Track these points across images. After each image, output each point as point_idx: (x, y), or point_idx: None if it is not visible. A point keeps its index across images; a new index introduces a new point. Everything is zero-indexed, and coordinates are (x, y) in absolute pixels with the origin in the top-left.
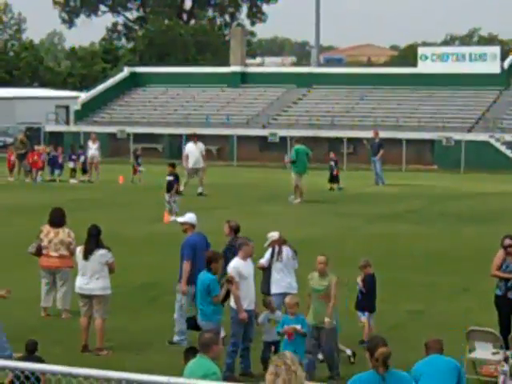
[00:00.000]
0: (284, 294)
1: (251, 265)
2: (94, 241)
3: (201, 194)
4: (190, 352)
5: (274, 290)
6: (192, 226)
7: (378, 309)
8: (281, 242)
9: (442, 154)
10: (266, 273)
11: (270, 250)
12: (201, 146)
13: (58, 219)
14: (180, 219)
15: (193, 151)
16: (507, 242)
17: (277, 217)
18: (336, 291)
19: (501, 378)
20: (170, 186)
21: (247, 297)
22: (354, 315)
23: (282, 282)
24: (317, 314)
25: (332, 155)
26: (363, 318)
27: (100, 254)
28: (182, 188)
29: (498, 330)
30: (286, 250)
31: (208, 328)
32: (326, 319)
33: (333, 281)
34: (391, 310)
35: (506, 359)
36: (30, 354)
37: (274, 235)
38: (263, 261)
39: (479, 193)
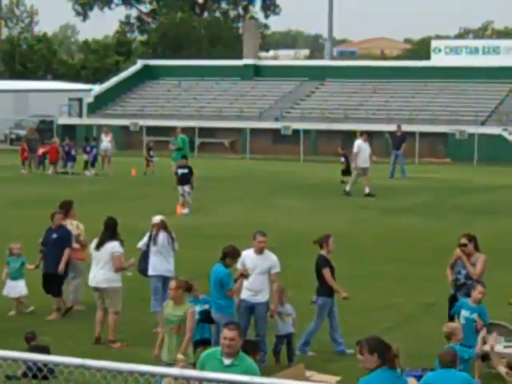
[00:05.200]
0: (161, 277)
1: (265, 260)
2: (108, 233)
3: (369, 194)
4: None
5: (151, 272)
6: None
7: (390, 302)
8: (160, 226)
9: (455, 148)
10: (143, 254)
11: (148, 233)
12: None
13: (64, 211)
14: None
15: (364, 149)
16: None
17: (289, 209)
18: (192, 323)
19: None
20: (183, 179)
21: (246, 288)
22: (364, 310)
23: (159, 265)
24: (169, 350)
25: (340, 150)
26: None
27: (111, 246)
28: (348, 188)
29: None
30: (163, 235)
31: (222, 321)
32: (180, 356)
33: (189, 311)
34: (403, 302)
35: None
36: (33, 345)
37: (155, 219)
38: (140, 244)
39: (492, 186)
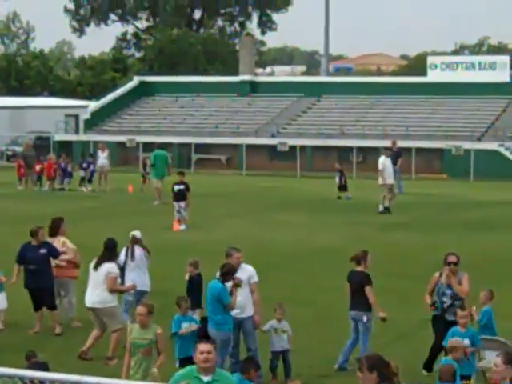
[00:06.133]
0: (140, 292)
1: (242, 273)
2: (106, 253)
3: (385, 209)
4: None
5: None
6: None
7: (388, 317)
8: (132, 241)
9: (451, 163)
10: (120, 272)
11: (124, 250)
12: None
13: (52, 229)
14: None
15: (388, 166)
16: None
17: (286, 225)
18: (164, 343)
19: None
20: (179, 195)
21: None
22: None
23: (139, 280)
24: (142, 373)
25: (337, 166)
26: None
27: (107, 267)
28: (386, 204)
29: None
30: (139, 250)
31: (221, 337)
32: (155, 370)
33: (158, 332)
34: (401, 318)
35: None
36: (33, 362)
37: (131, 234)
38: (119, 261)
39: (488, 202)
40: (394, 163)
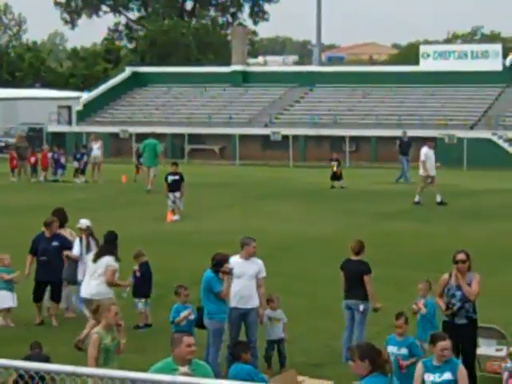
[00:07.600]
0: None
1: (253, 264)
2: (107, 246)
3: (441, 202)
4: None
5: None
6: None
7: (382, 307)
8: (88, 233)
9: (444, 152)
10: (71, 261)
11: (77, 241)
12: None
13: (58, 219)
14: None
15: (430, 157)
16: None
17: (279, 215)
18: (124, 347)
19: (505, 375)
20: (174, 185)
21: (237, 295)
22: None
23: None
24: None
25: (334, 155)
26: (140, 304)
27: (106, 260)
28: (417, 199)
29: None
30: (93, 242)
31: (213, 327)
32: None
33: (122, 339)
34: (394, 307)
35: (510, 355)
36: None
37: (82, 224)
38: (76, 253)
39: (482, 190)
40: (406, 153)
